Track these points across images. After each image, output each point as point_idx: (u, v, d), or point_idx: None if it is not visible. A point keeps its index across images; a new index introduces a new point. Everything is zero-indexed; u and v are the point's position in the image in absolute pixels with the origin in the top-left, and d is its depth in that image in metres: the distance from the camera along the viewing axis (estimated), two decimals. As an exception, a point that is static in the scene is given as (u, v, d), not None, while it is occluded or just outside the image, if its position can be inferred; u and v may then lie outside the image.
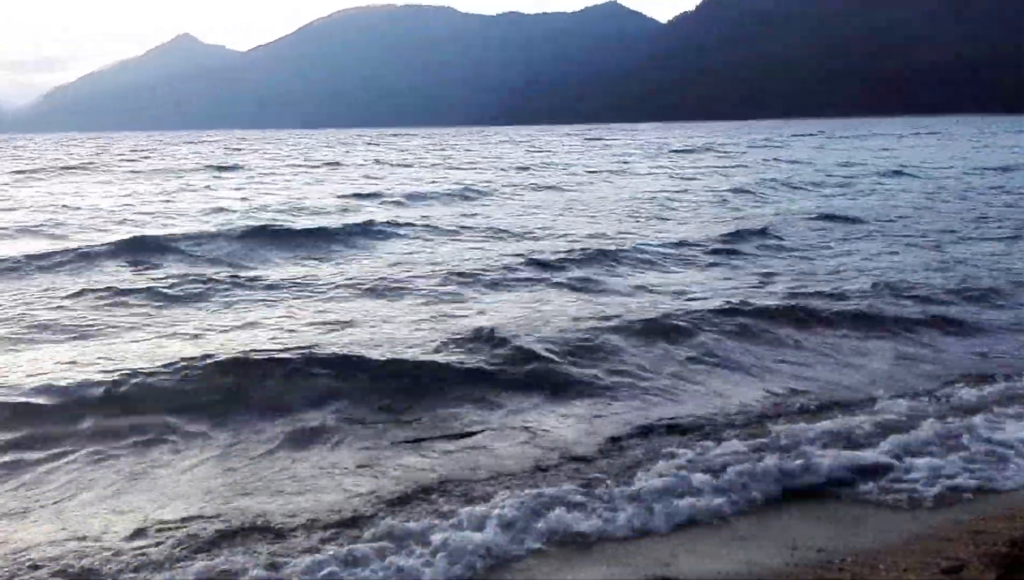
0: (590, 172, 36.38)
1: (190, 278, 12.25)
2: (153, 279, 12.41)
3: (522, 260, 13.64)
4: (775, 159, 44.60)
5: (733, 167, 39.05)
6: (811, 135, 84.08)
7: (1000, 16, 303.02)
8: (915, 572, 4.34)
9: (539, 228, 18.44)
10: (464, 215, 21.00)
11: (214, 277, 12.35)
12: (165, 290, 11.50)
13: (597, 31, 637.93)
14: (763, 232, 16.82)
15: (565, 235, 17.13)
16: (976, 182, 29.18)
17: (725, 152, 53.24)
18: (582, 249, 14.62)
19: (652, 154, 52.59)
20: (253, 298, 11.35)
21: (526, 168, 39.46)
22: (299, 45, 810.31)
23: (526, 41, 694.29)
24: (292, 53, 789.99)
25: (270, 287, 11.99)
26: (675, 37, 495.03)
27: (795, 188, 27.79)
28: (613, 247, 14.80)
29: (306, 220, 19.68)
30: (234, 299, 11.28)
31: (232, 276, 12.58)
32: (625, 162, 44.04)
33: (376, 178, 34.16)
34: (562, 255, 14.05)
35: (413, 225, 18.49)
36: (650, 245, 15.44)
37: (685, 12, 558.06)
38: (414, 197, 25.15)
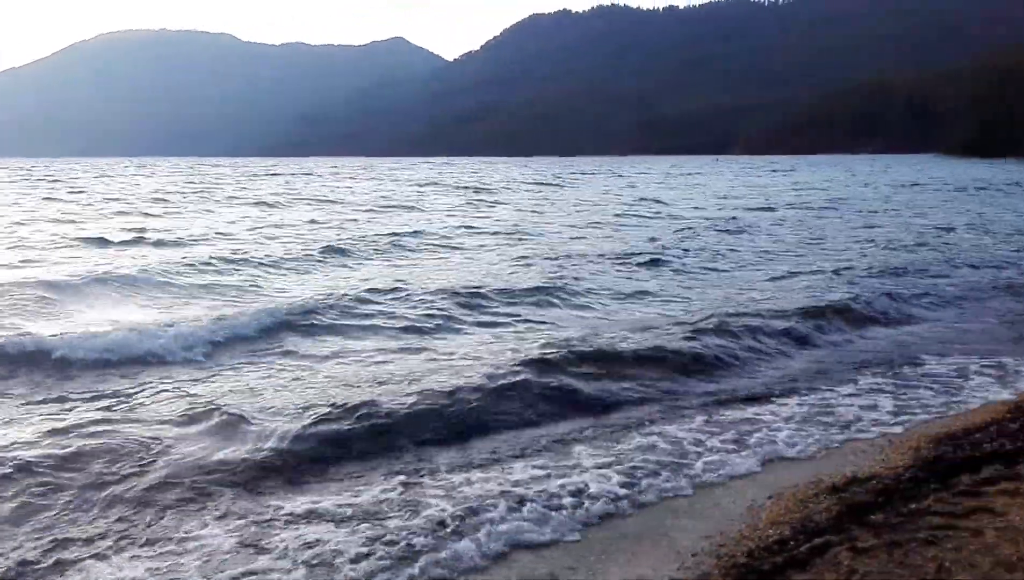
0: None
1: None
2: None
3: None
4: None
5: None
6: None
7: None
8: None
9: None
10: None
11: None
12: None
13: (383, 66, 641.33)
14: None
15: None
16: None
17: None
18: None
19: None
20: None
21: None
22: (58, 69, 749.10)
23: (310, 73, 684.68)
24: (50, 78, 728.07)
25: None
26: (460, 74, 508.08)
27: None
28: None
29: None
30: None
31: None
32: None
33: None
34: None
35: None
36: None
37: (470, 51, 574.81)
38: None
